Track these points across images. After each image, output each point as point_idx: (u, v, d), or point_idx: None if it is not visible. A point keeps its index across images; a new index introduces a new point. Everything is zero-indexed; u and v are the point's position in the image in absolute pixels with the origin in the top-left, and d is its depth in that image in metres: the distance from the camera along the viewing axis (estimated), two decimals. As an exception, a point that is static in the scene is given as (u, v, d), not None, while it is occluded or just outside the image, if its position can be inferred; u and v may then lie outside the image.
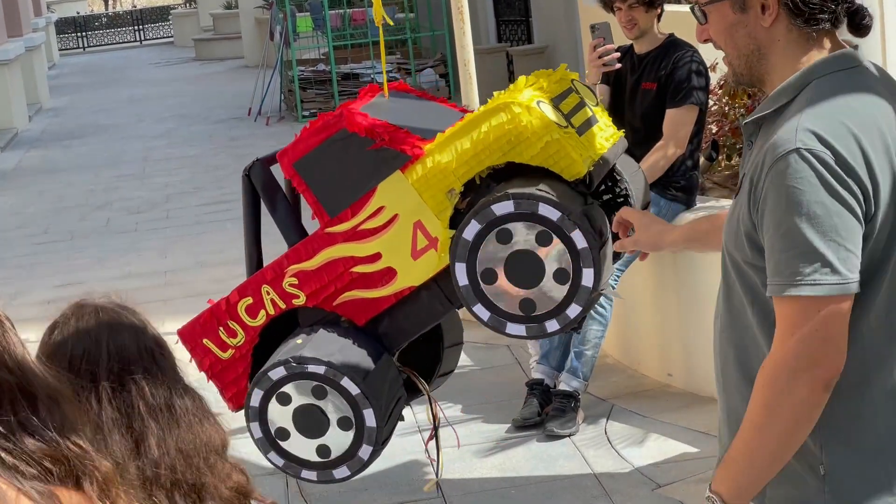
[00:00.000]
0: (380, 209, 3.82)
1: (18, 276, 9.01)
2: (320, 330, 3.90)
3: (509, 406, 5.41)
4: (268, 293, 3.96)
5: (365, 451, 3.86)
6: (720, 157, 6.00)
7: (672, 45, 5.40)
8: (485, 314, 3.71)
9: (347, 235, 3.87)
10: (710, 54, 5.94)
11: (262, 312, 3.98)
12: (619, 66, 5.16)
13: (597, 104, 4.19)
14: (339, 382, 3.78)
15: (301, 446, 3.91)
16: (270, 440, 3.93)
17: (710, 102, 5.69)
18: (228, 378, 4.08)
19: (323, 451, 3.90)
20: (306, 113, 15.45)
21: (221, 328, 4.01)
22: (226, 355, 4.02)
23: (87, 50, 32.89)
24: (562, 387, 5.26)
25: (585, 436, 5.10)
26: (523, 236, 3.64)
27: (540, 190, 3.63)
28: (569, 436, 5.09)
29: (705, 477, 4.62)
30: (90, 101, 20.25)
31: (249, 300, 3.99)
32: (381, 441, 3.89)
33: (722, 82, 6.08)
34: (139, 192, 11.95)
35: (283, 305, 3.97)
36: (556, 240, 3.61)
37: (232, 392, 4.10)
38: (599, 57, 5.08)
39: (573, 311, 3.68)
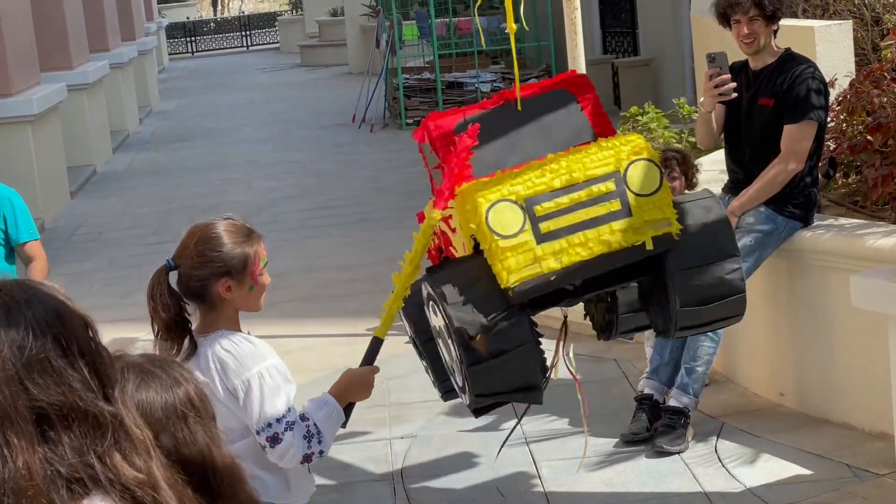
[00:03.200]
0: None
1: (130, 276, 9.18)
2: None
3: (616, 420, 5.37)
4: None
5: None
6: (837, 175, 5.90)
7: (789, 59, 5.32)
8: None
9: None
10: (829, 70, 5.86)
11: None
12: (735, 95, 5.13)
13: (655, 191, 3.80)
14: None
15: None
16: None
17: (828, 119, 5.60)
18: None
19: None
20: (410, 121, 15.54)
21: None
22: None
23: (196, 55, 33.45)
24: (672, 403, 5.21)
25: (695, 453, 5.04)
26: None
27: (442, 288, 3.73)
28: (678, 452, 5.04)
29: (820, 501, 4.55)
30: (198, 105, 20.60)
31: None
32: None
33: (840, 99, 5.98)
34: (245, 196, 12.12)
35: None
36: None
37: None
38: (716, 87, 5.06)
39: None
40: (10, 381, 1.48)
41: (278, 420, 3.17)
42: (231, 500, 1.89)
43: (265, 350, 3.27)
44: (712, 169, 6.16)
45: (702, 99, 5.35)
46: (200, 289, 3.29)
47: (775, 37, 5.36)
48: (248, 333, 3.33)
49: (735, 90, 5.19)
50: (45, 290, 1.57)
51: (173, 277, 3.32)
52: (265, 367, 3.22)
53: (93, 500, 1.48)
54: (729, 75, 5.11)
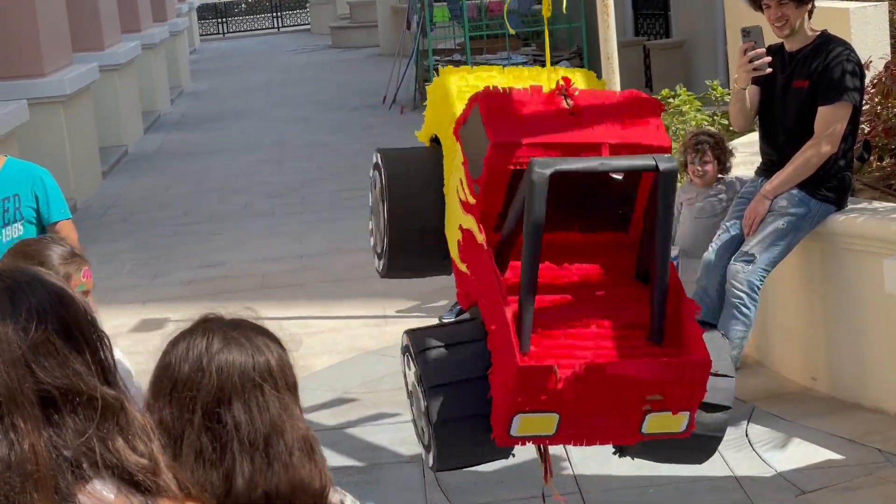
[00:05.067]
0: None
1: (161, 257, 9.22)
2: None
3: (646, 404, 5.34)
4: None
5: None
6: (871, 158, 5.85)
7: (825, 41, 5.27)
8: None
9: None
10: (864, 52, 5.79)
11: None
12: (769, 70, 5.08)
13: None
14: None
15: None
16: None
17: (863, 101, 5.54)
18: None
19: None
20: (441, 102, 15.49)
21: None
22: None
23: (227, 36, 33.51)
24: (702, 387, 5.18)
25: (726, 437, 4.96)
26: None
27: None
28: (709, 437, 5.01)
29: (851, 485, 4.52)
30: (229, 86, 20.63)
31: None
32: None
33: (875, 81, 5.92)
34: (276, 177, 12.13)
35: None
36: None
37: None
38: (750, 61, 5.01)
39: None
40: (16, 364, 1.47)
41: None
42: (299, 469, 1.91)
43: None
44: (745, 151, 6.11)
45: (735, 76, 5.29)
46: None
47: (810, 18, 5.30)
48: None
49: (770, 70, 5.14)
50: (46, 275, 1.56)
51: None
52: None
53: (95, 484, 1.48)
54: (763, 49, 5.06)
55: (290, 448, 1.90)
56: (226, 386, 1.89)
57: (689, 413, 3.45)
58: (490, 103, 3.60)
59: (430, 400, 3.50)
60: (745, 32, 5.11)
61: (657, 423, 3.45)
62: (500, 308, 3.39)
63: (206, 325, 1.96)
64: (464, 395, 3.49)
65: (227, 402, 1.89)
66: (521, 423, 3.39)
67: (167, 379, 1.92)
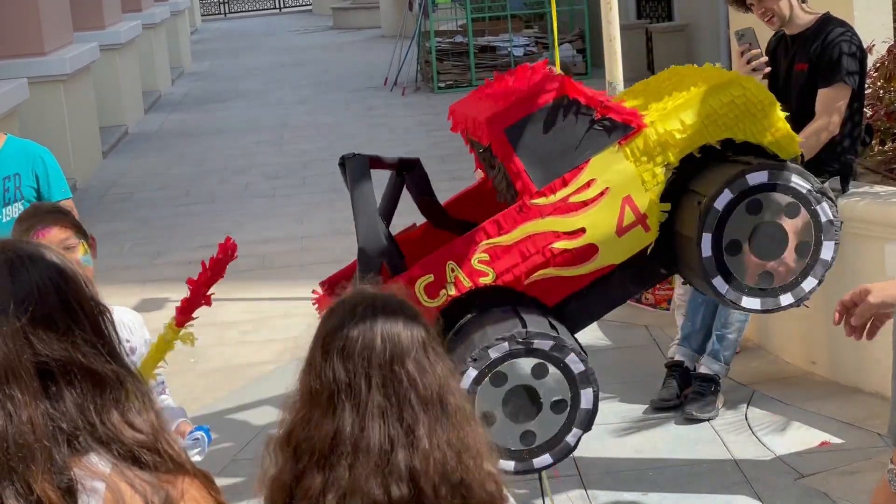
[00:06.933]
0: (590, 182, 3.65)
1: (161, 237, 9.21)
2: (519, 308, 3.62)
3: (646, 386, 5.35)
4: (452, 270, 3.61)
5: (574, 435, 3.60)
6: (873, 142, 5.83)
7: (826, 22, 5.26)
8: (723, 287, 3.67)
9: (553, 208, 3.65)
10: (866, 35, 5.77)
11: (443, 293, 3.62)
12: (768, 69, 5.10)
13: None
14: (565, 360, 3.54)
15: (504, 433, 3.53)
16: None
17: (865, 84, 5.51)
18: None
19: (527, 437, 3.58)
20: (442, 84, 15.48)
21: None
22: None
23: (228, 16, 33.44)
24: (702, 370, 5.18)
25: (725, 420, 5.02)
26: (772, 208, 3.65)
27: (788, 162, 3.69)
28: (708, 420, 5.02)
29: (850, 469, 4.52)
30: (230, 67, 20.59)
31: (430, 278, 3.63)
32: (591, 426, 3.63)
33: (878, 65, 5.89)
34: (277, 158, 12.12)
35: (468, 284, 3.63)
36: (803, 212, 3.65)
37: None
38: (748, 62, 5.03)
39: (809, 284, 3.75)
40: (14, 336, 1.48)
41: None
42: (474, 427, 2.01)
43: None
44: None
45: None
46: None
47: (804, 1, 5.29)
48: None
49: (775, 56, 5.13)
50: (48, 250, 1.57)
51: None
52: None
53: (91, 457, 1.48)
54: (759, 50, 5.07)
55: (460, 405, 2.01)
56: (396, 349, 1.99)
57: None
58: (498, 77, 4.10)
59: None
60: (739, 35, 5.12)
61: None
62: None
63: (364, 296, 2.06)
64: None
65: (400, 361, 1.99)
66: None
67: (339, 339, 2.00)
